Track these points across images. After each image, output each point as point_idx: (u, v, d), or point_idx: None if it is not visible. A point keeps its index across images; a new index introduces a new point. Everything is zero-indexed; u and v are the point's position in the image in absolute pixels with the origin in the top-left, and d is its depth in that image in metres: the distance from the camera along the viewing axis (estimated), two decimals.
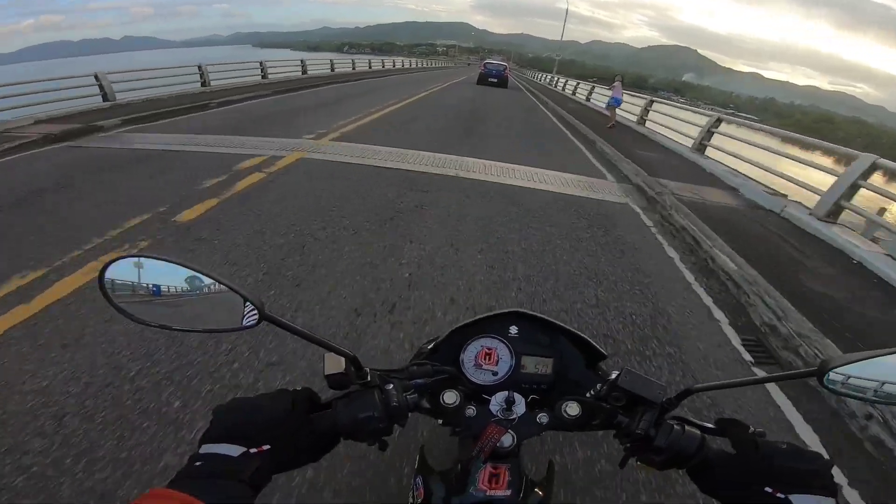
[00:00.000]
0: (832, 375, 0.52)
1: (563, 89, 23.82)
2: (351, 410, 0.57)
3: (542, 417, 0.66)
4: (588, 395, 0.67)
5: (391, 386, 0.61)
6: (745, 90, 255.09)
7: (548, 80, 31.10)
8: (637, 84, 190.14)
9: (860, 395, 0.54)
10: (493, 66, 24.74)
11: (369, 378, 0.60)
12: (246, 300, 0.52)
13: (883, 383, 0.53)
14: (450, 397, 0.65)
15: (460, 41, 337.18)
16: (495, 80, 23.00)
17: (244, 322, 0.52)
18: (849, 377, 0.53)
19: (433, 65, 47.37)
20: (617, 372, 0.63)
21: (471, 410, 0.66)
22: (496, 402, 0.67)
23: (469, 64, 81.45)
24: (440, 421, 0.67)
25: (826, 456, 0.53)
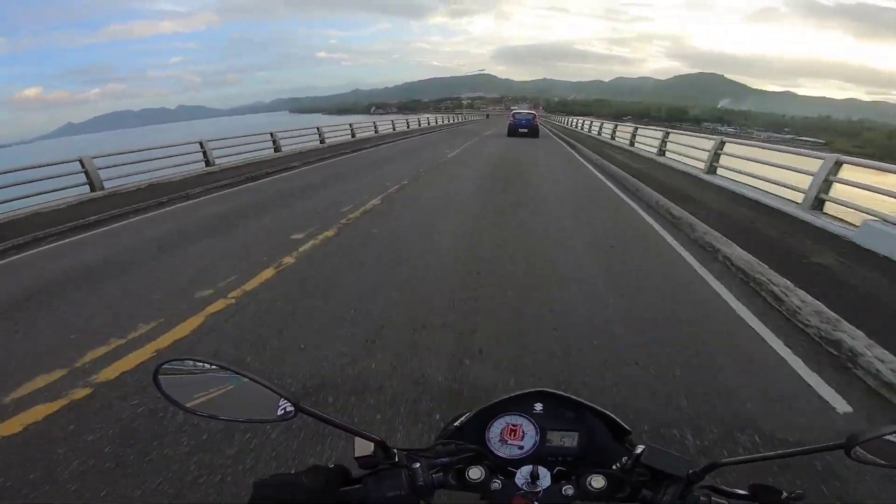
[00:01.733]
0: (861, 448, 0.54)
1: (600, 133, 21.83)
2: (380, 488, 0.63)
3: (568, 490, 0.67)
4: (614, 467, 0.68)
5: (418, 465, 0.66)
6: (783, 110, 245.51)
7: (580, 126, 29.72)
8: (675, 117, 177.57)
9: (890, 463, 0.55)
10: (521, 115, 24.32)
11: (397, 458, 0.65)
12: (282, 397, 0.60)
13: None
14: (475, 473, 0.67)
15: (485, 92, 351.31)
16: (525, 131, 22.50)
17: (284, 414, 0.60)
18: (878, 448, 0.54)
19: (453, 120, 45.90)
20: (642, 447, 0.66)
21: (496, 484, 0.68)
22: (521, 475, 0.69)
23: (487, 116, 78.67)
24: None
25: None
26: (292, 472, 0.62)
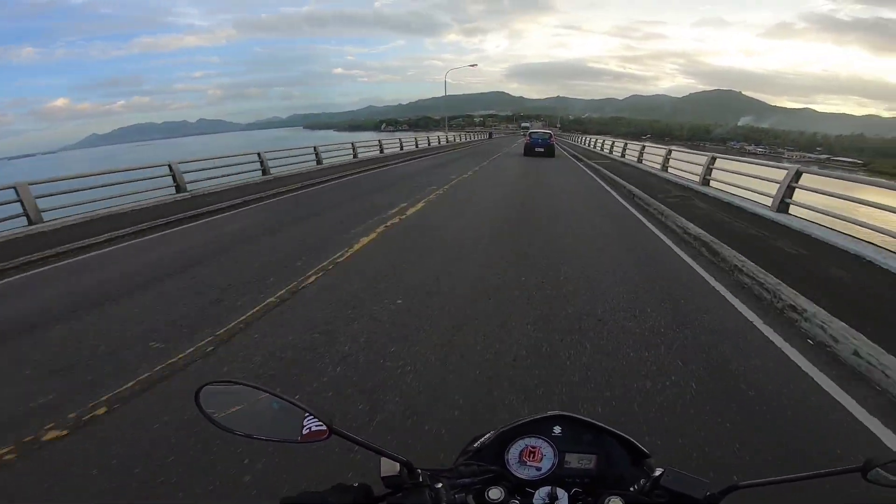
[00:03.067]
0: (879, 471, 0.56)
1: (623, 155, 19.81)
2: None
3: None
4: (632, 489, 0.69)
5: (440, 485, 0.68)
6: (803, 126, 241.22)
7: (599, 147, 28.16)
8: (698, 136, 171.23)
9: None
10: (538, 135, 24.63)
11: (420, 478, 0.68)
12: (317, 418, 0.64)
13: None
14: (494, 494, 0.68)
15: (498, 109, 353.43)
16: (542, 150, 22.76)
17: (318, 436, 0.64)
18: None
19: (460, 140, 42.66)
20: (661, 470, 0.68)
21: None
22: (539, 496, 0.70)
23: (490, 136, 66.29)
24: None
25: None
26: (321, 490, 0.65)
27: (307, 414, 0.64)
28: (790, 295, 3.87)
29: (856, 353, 2.96)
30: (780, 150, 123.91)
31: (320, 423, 0.63)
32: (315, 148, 15.87)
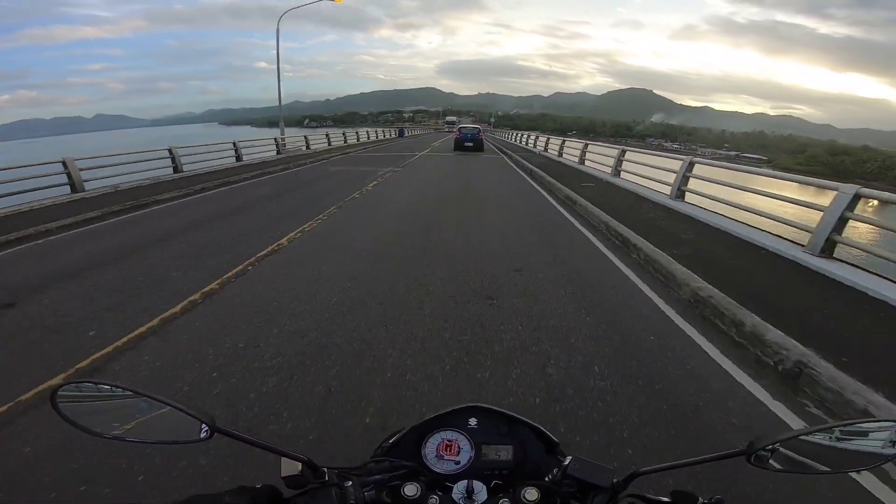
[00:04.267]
0: (761, 453, 0.60)
1: (546, 149, 21.52)
2: None
3: (504, 503, 0.68)
4: (547, 478, 0.70)
5: (349, 483, 0.65)
6: (703, 123, 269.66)
7: (524, 141, 29.41)
8: (621, 133, 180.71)
9: (787, 468, 0.61)
10: (467, 130, 25.09)
11: (326, 477, 0.65)
12: (196, 418, 0.59)
13: (806, 458, 0.61)
14: (410, 490, 0.67)
15: (429, 105, 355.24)
16: (471, 145, 23.01)
17: (199, 435, 0.59)
18: (776, 453, 0.61)
19: (381, 136, 38.26)
20: (569, 458, 0.69)
21: (434, 500, 0.67)
22: (458, 490, 0.69)
23: (401, 134, 46.16)
24: None
25: None
26: (217, 492, 0.61)
27: (185, 414, 0.59)
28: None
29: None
30: (693, 146, 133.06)
31: (200, 422, 0.59)
32: (172, 151, 12.13)
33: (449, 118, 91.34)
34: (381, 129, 43.09)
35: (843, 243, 4.68)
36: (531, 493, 0.66)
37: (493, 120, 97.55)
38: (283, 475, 0.63)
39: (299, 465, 0.63)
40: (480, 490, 0.69)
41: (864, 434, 0.63)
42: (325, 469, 0.66)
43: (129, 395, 0.60)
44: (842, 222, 4.63)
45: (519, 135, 34.55)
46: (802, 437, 0.61)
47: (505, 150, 25.14)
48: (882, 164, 70.54)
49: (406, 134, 50.68)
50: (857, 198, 4.58)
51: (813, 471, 0.61)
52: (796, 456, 0.61)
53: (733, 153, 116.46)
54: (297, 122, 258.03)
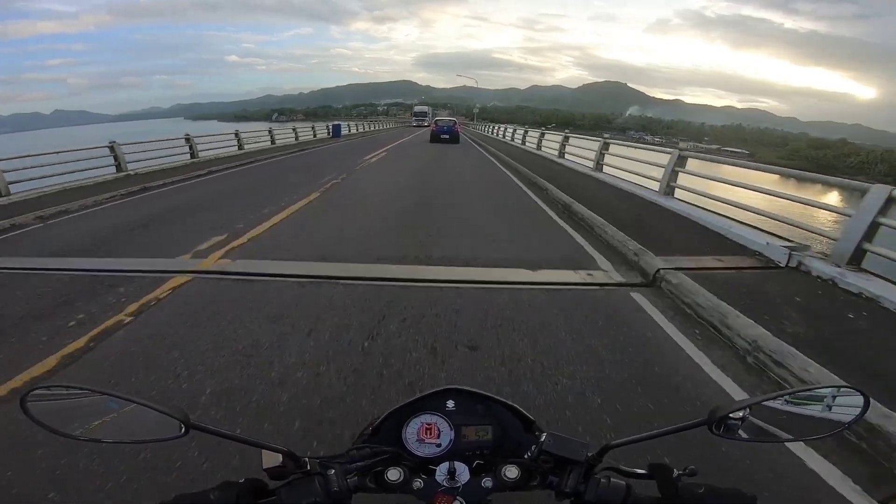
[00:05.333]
0: (728, 423, 0.61)
1: (524, 143, 21.02)
2: (293, 498, 0.63)
3: (487, 482, 0.69)
4: (526, 456, 0.71)
5: (332, 471, 0.66)
6: (675, 116, 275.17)
7: (501, 135, 28.61)
8: (600, 126, 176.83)
9: (747, 437, 0.62)
10: (443, 122, 25.80)
11: (308, 467, 0.66)
12: (169, 415, 0.58)
13: (760, 425, 0.61)
14: (393, 474, 0.67)
15: (406, 98, 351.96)
16: (447, 137, 23.66)
17: (174, 433, 0.59)
18: (739, 421, 0.62)
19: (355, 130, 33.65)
20: (544, 435, 0.71)
21: (418, 483, 0.69)
22: (441, 472, 0.70)
23: (335, 134, 27.55)
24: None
25: (748, 494, 0.59)
26: (202, 490, 0.62)
27: (157, 412, 0.58)
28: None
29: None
30: (675, 139, 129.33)
31: (173, 419, 0.58)
32: (113, 148, 10.29)
33: (417, 108, 69.34)
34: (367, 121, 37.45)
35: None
36: (511, 471, 0.68)
37: (476, 111, 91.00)
38: (264, 467, 0.63)
39: (280, 457, 0.64)
40: (463, 471, 0.70)
41: (820, 399, 0.64)
42: (307, 458, 0.67)
43: (101, 396, 0.59)
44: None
45: (496, 128, 33.84)
46: (764, 403, 0.62)
47: (486, 144, 23.45)
48: (866, 158, 72.00)
49: (343, 133, 29.71)
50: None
51: (776, 439, 0.63)
52: (760, 423, 0.62)
53: (714, 147, 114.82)
54: (266, 117, 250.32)
